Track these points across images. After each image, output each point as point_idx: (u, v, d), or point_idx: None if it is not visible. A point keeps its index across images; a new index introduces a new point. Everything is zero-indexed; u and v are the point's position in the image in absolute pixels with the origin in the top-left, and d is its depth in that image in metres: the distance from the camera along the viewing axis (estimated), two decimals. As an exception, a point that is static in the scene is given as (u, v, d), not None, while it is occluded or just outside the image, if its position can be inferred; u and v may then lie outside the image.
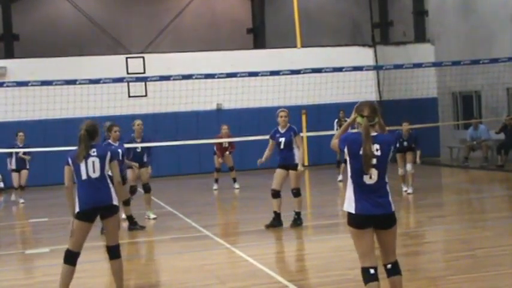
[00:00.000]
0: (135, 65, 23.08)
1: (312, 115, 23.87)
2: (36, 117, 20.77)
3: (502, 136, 21.08)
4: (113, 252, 7.63)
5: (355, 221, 6.10)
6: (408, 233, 11.20)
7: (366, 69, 20.69)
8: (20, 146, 18.29)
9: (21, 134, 18.24)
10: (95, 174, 7.53)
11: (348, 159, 6.16)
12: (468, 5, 23.54)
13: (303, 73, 19.19)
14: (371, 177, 6.04)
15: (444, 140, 24.85)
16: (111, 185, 7.63)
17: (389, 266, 6.23)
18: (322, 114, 23.11)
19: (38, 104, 19.44)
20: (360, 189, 6.07)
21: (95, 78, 17.68)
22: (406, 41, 27.17)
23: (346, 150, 6.11)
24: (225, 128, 18.50)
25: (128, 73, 22.47)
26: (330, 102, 22.92)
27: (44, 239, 12.66)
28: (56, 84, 17.58)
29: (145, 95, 22.93)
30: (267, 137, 12.46)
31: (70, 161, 7.57)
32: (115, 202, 7.54)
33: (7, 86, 18.55)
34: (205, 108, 22.86)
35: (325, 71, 19.04)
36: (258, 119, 22.61)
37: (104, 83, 17.82)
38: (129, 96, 22.59)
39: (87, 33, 27.81)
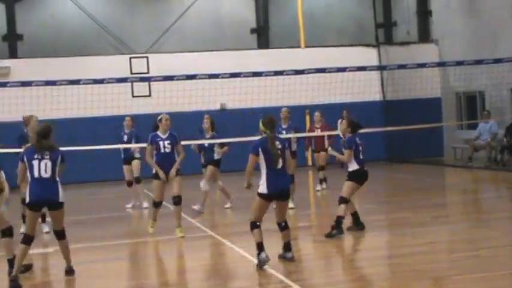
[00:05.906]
0: (139, 65, 23.07)
1: (316, 115, 23.84)
2: (39, 117, 20.69)
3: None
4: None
5: None
6: (412, 233, 11.19)
7: (370, 69, 20.70)
8: (126, 132, 16.00)
9: (128, 118, 16.16)
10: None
11: None
12: (472, 5, 23.51)
13: (307, 73, 19.20)
14: None
15: (448, 140, 24.81)
16: None
17: None
18: (326, 114, 23.08)
19: (41, 104, 19.41)
20: None
21: (98, 78, 17.68)
22: (410, 41, 27.12)
23: None
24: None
25: (131, 73, 22.46)
26: (334, 102, 22.87)
27: (48, 240, 12.65)
28: (59, 84, 17.59)
29: (149, 95, 22.91)
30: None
31: None
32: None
33: (11, 86, 18.54)
34: (209, 108, 22.82)
35: (329, 71, 19.06)
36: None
37: (108, 82, 17.83)
38: (133, 96, 22.57)
39: (91, 33, 27.79)
